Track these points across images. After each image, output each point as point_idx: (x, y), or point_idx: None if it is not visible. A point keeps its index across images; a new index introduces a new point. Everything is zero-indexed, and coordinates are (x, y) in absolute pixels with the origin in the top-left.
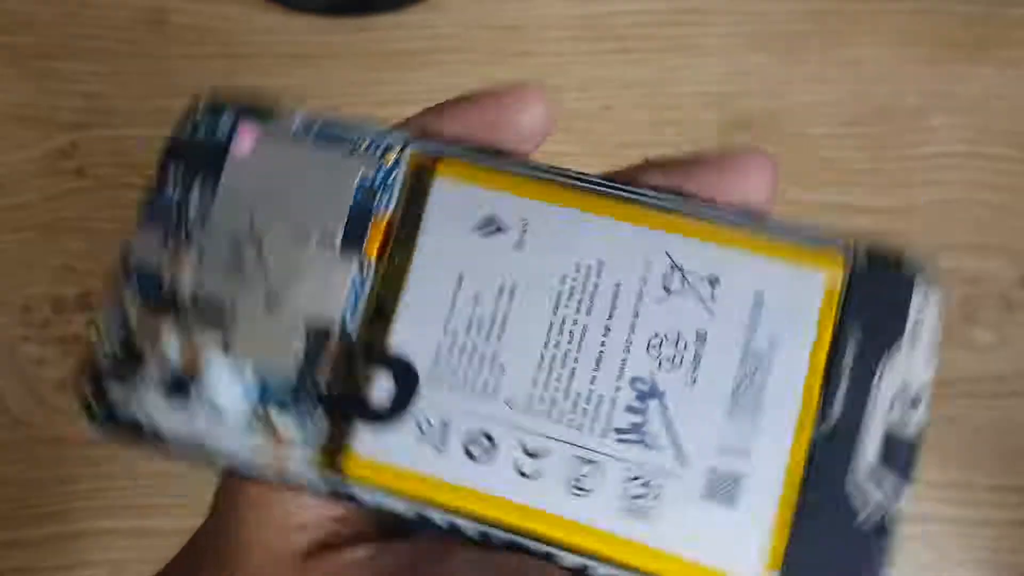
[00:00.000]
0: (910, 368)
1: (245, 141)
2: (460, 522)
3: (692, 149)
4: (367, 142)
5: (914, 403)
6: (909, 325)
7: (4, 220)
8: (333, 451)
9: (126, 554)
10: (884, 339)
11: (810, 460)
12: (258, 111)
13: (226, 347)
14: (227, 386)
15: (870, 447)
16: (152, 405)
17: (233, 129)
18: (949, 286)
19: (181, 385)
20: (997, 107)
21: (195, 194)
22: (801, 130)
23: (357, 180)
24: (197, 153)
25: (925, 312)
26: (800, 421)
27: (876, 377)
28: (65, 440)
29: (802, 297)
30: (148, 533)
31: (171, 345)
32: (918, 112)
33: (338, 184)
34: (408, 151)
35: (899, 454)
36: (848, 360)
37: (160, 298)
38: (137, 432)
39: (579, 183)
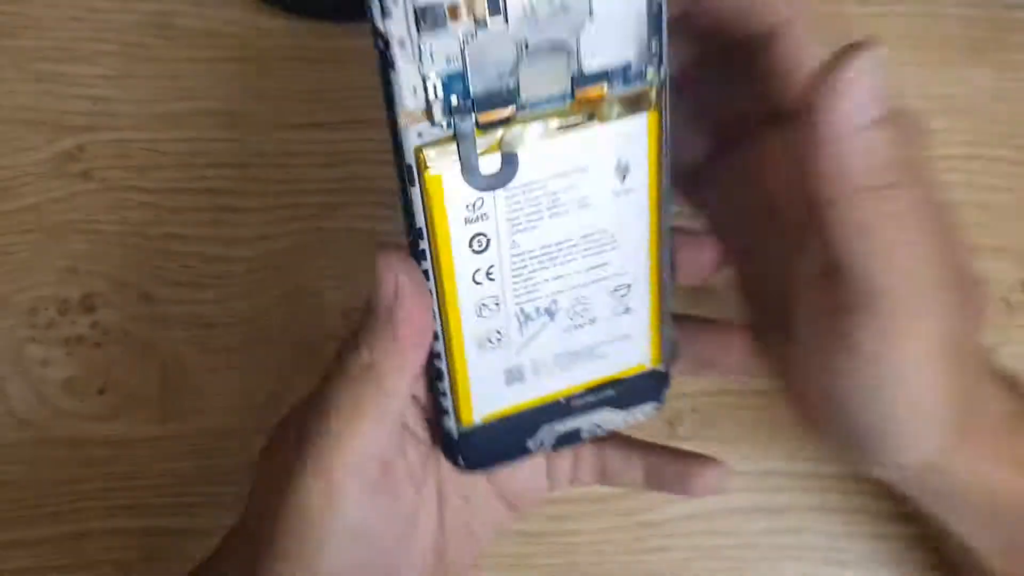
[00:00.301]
0: (615, 418)
1: None
2: (428, 263)
3: None
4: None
5: (593, 432)
6: (631, 408)
7: (11, 222)
8: (422, 152)
9: (131, 554)
10: (627, 400)
11: (545, 406)
12: None
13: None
14: (436, 51)
15: (564, 427)
16: None
17: None
18: None
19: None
20: (997, 109)
21: None
22: None
23: (636, 51)
24: None
25: (636, 416)
26: (569, 387)
27: (599, 408)
28: (70, 441)
29: (633, 349)
30: (153, 533)
31: None
32: (919, 114)
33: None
34: (663, 73)
35: (564, 442)
36: (604, 392)
37: None
38: None
39: (666, 209)
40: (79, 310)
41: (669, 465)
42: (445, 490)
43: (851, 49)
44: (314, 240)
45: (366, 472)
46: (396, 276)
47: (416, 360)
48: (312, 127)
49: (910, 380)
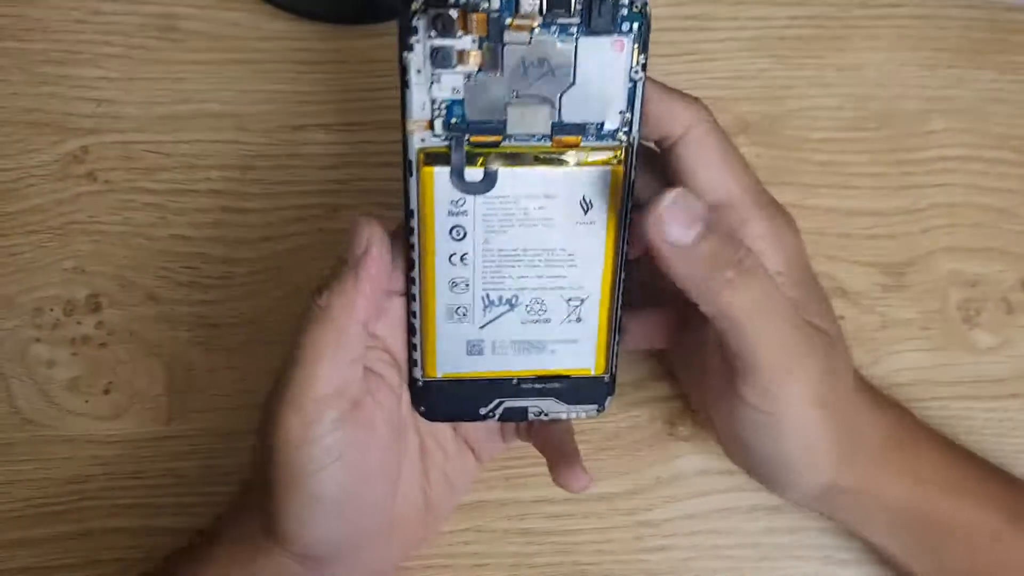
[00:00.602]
0: (558, 409)
1: None
2: (415, 238)
3: None
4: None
5: (538, 415)
6: (572, 405)
7: (16, 223)
8: (428, 158)
9: (134, 553)
10: (570, 397)
11: (499, 380)
12: None
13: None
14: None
15: (512, 404)
16: None
17: None
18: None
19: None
20: (996, 111)
21: None
22: (802, 134)
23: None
24: None
25: (578, 413)
26: (521, 371)
27: (544, 396)
28: (74, 440)
29: (580, 354)
30: (155, 532)
31: None
32: (918, 116)
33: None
34: (632, 137)
35: (511, 416)
36: (551, 384)
37: None
38: None
39: (623, 246)
40: (84, 310)
41: (562, 455)
42: (426, 443)
43: (661, 194)
44: (316, 241)
45: (336, 404)
46: (368, 237)
47: (367, 306)
48: (314, 129)
49: (793, 423)
